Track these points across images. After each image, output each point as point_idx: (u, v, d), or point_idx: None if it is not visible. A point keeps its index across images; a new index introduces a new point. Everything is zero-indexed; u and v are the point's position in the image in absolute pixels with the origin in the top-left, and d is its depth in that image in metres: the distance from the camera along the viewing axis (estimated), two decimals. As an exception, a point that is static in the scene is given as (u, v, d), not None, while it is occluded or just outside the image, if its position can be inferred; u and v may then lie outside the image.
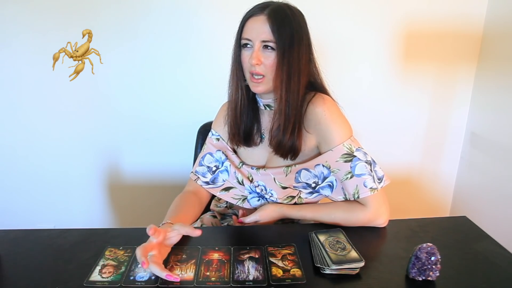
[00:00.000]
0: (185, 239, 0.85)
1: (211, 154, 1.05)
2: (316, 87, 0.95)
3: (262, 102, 0.97)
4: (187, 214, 0.92)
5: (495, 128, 1.54)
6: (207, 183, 1.04)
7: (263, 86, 0.89)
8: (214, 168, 1.04)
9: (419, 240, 0.83)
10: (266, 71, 0.87)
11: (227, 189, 1.03)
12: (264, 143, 0.99)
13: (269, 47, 0.86)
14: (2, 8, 1.43)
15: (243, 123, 0.97)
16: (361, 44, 1.57)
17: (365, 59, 1.60)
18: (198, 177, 1.04)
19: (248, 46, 0.88)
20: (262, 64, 0.87)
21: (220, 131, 1.06)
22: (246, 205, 1.01)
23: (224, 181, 1.03)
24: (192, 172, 1.06)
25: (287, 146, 0.91)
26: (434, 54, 1.60)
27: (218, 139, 1.06)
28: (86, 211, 1.76)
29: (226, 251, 0.79)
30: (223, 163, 1.03)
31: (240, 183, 1.01)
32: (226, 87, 0.98)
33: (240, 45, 0.90)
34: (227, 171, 1.03)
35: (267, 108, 0.97)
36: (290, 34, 0.85)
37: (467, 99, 1.68)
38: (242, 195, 1.02)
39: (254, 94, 0.97)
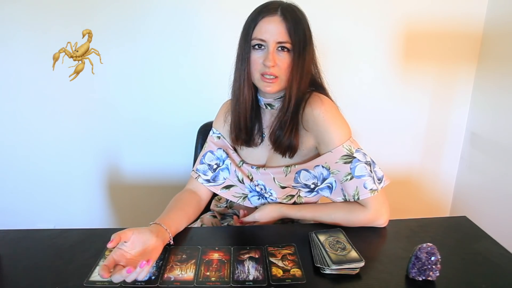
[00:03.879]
0: (185, 239, 0.85)
1: (212, 152, 1.05)
2: (315, 85, 0.95)
3: (263, 101, 0.97)
4: (179, 215, 0.90)
5: (495, 128, 1.54)
6: (208, 181, 1.04)
7: (275, 86, 0.88)
8: (215, 166, 1.04)
9: (419, 240, 0.83)
10: (280, 73, 0.87)
11: (228, 187, 1.03)
12: (264, 142, 0.99)
13: (284, 49, 0.85)
14: (2, 7, 1.43)
15: (249, 123, 0.97)
16: (361, 44, 1.57)
17: (365, 59, 1.60)
18: (199, 175, 1.04)
19: (261, 47, 0.87)
20: (277, 65, 0.86)
21: (221, 129, 1.05)
22: (247, 203, 1.01)
23: (225, 179, 1.03)
24: (193, 170, 1.06)
25: (286, 144, 0.91)
26: (434, 54, 1.60)
27: (219, 137, 1.05)
28: (86, 211, 1.76)
29: (226, 251, 0.79)
30: (224, 161, 1.03)
31: (240, 182, 1.01)
32: (230, 85, 0.97)
33: (250, 45, 0.88)
34: (228, 169, 1.03)
35: (268, 107, 0.97)
36: (304, 34, 0.86)
37: (467, 99, 1.68)
38: (243, 193, 1.02)
39: (256, 93, 0.97)
